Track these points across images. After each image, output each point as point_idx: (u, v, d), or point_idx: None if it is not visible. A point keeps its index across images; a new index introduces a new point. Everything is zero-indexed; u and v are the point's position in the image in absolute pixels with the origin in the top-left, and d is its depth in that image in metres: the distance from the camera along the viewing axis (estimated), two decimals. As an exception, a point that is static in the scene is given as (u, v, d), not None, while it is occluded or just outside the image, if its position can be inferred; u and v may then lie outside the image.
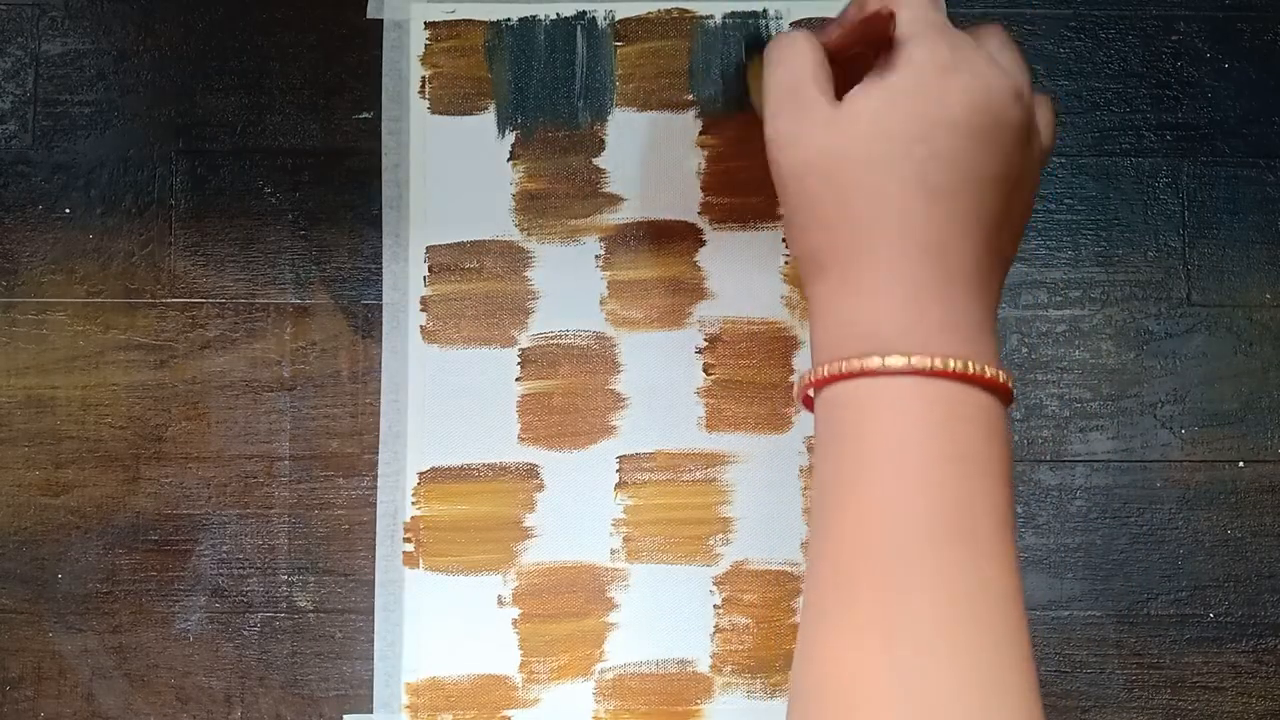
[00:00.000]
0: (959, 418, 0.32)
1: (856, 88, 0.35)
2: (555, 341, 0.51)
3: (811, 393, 0.35)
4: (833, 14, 0.52)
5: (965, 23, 0.52)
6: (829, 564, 0.33)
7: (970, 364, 0.32)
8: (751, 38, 0.52)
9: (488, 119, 0.52)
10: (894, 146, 0.33)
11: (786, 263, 0.51)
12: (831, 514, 0.33)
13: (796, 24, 0.41)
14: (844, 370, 0.33)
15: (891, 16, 0.35)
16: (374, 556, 0.50)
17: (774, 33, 0.52)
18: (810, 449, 0.50)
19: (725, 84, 0.52)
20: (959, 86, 0.34)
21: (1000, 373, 0.33)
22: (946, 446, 0.32)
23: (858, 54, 0.38)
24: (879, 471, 0.32)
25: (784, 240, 0.51)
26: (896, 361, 0.32)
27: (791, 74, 0.36)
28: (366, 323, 0.51)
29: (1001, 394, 0.34)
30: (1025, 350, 0.51)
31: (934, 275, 0.33)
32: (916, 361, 0.32)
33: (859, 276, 0.34)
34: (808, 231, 0.35)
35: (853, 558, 0.32)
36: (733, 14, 0.52)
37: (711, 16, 0.52)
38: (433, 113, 0.52)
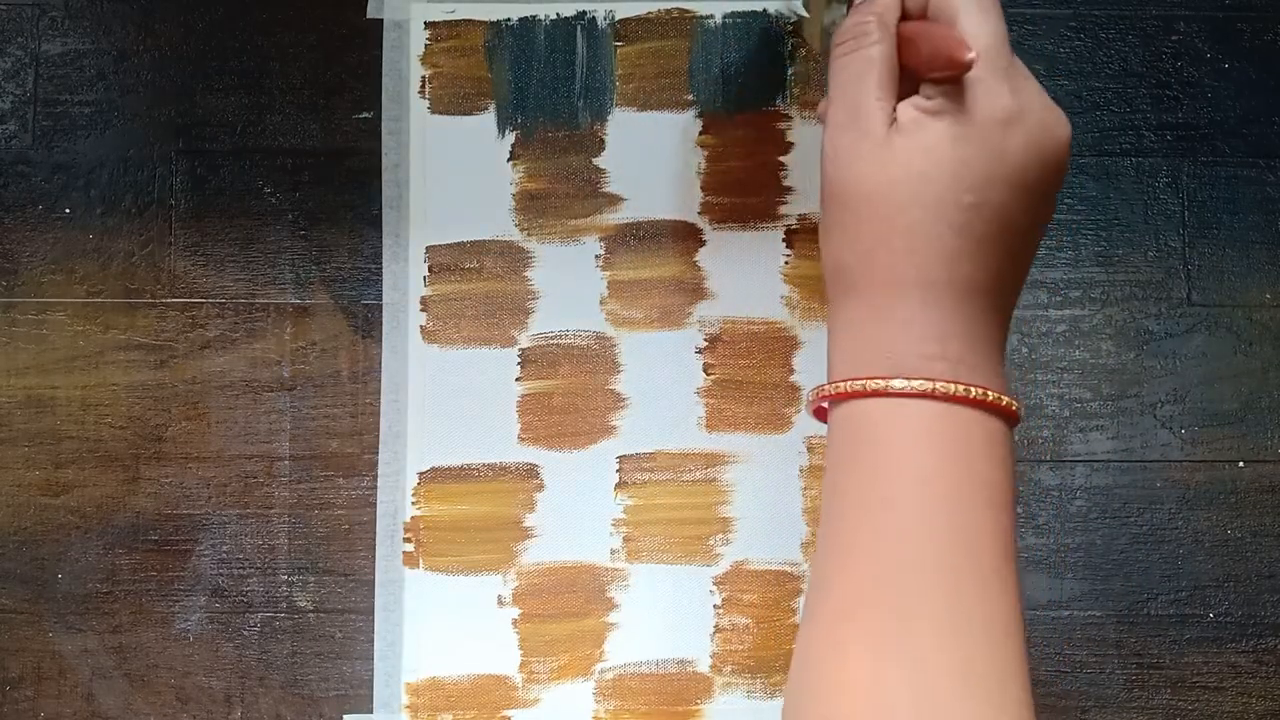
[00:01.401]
0: (974, 444, 0.34)
1: (914, 116, 0.35)
2: (555, 341, 0.51)
3: (826, 405, 0.36)
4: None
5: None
6: (838, 578, 0.34)
7: (989, 392, 0.34)
8: None
9: (488, 119, 0.52)
10: (944, 192, 0.34)
11: (786, 262, 0.51)
12: (843, 531, 0.34)
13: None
14: (867, 389, 0.34)
15: (968, 66, 0.34)
16: (374, 556, 0.50)
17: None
18: (810, 449, 0.50)
19: (726, 83, 0.52)
20: (1019, 143, 0.34)
21: (1013, 401, 0.34)
22: (960, 473, 0.33)
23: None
24: (895, 495, 0.33)
25: (785, 241, 0.51)
26: (921, 385, 0.33)
27: (858, 88, 0.36)
28: (366, 323, 0.51)
29: (1011, 420, 0.35)
30: (1025, 350, 0.51)
31: (962, 312, 0.34)
32: (940, 387, 0.33)
33: (888, 304, 0.35)
34: (843, 249, 0.36)
35: (862, 577, 0.33)
36: (733, 14, 0.52)
37: (711, 16, 0.52)
38: (433, 113, 0.52)
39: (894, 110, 0.35)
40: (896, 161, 0.34)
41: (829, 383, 0.35)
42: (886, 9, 0.36)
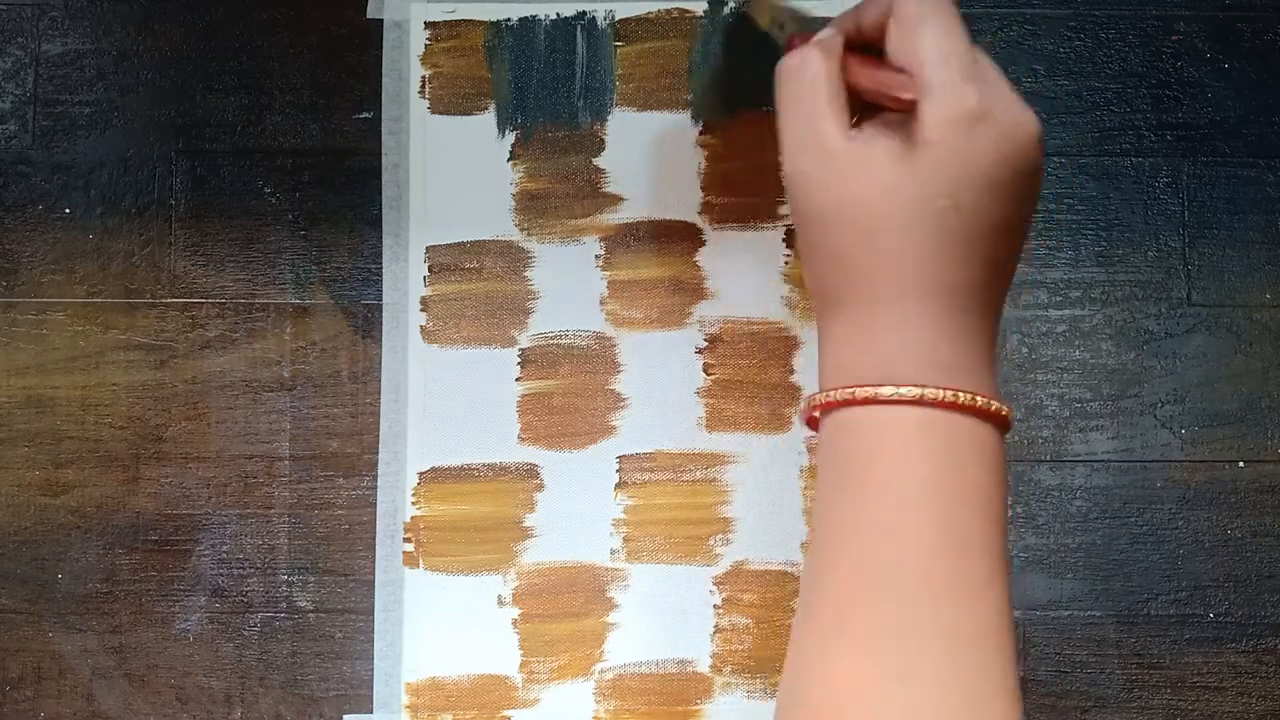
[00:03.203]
0: (964, 450, 0.34)
1: (878, 129, 0.35)
2: (555, 341, 0.51)
3: (819, 414, 0.36)
4: (834, 10, 0.53)
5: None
6: (829, 589, 0.34)
7: (978, 398, 0.34)
8: None
9: (488, 119, 0.52)
10: (916, 200, 0.34)
11: (787, 262, 0.51)
12: (831, 540, 0.34)
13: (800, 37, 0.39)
14: (857, 396, 0.34)
15: (910, 104, 0.34)
16: (374, 556, 0.50)
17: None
18: (811, 449, 0.50)
19: (725, 83, 0.52)
20: (986, 144, 0.34)
21: (1003, 406, 0.34)
22: (951, 480, 0.33)
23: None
24: (884, 503, 0.33)
25: (785, 241, 0.51)
26: (910, 392, 0.33)
27: (808, 108, 0.36)
28: (366, 323, 0.51)
29: (1002, 425, 0.35)
30: (1025, 350, 0.51)
31: (946, 317, 0.34)
32: (929, 394, 0.33)
33: (873, 315, 0.35)
34: (824, 270, 0.36)
35: (853, 588, 0.33)
36: (731, 13, 0.52)
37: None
38: (433, 113, 0.52)
39: (849, 124, 0.35)
40: (862, 174, 0.34)
41: (820, 391, 0.35)
42: (829, 38, 0.37)
